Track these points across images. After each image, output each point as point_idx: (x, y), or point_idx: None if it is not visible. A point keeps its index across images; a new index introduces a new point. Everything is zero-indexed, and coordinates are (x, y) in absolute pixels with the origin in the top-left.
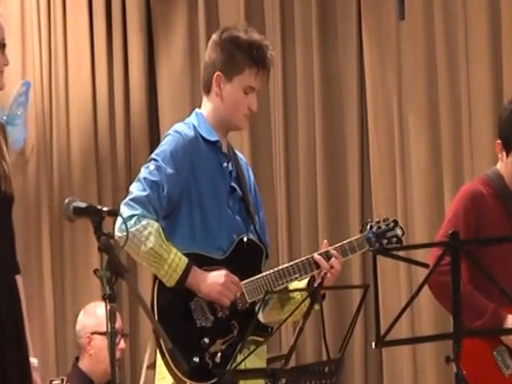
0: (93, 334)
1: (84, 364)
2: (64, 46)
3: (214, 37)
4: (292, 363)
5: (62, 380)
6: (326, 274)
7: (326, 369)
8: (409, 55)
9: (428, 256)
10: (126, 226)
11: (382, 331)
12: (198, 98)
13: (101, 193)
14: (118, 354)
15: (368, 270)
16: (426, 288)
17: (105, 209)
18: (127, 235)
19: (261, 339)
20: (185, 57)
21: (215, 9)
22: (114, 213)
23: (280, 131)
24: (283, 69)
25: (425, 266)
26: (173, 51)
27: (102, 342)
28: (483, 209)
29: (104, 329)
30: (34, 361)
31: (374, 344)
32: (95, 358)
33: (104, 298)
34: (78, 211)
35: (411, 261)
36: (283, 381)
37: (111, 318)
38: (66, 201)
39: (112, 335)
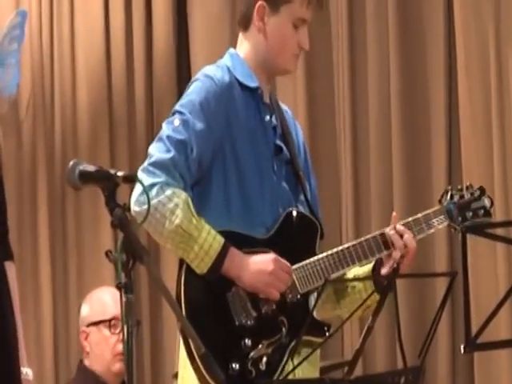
0: (88, 326)
1: (90, 365)
2: None
3: None
4: (358, 372)
5: None
6: (401, 257)
7: (402, 380)
8: None
9: None
10: (148, 196)
11: (474, 331)
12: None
13: (114, 156)
14: (121, 347)
15: (456, 253)
16: None
17: (119, 173)
18: (148, 208)
19: (317, 340)
20: None
21: None
22: (132, 178)
23: (345, 86)
24: (348, 5)
25: None
26: None
27: (97, 335)
28: None
29: (99, 317)
30: (27, 372)
31: (462, 348)
32: (93, 356)
33: (118, 288)
34: (86, 176)
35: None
36: None
37: (128, 312)
38: (71, 163)
39: (130, 335)
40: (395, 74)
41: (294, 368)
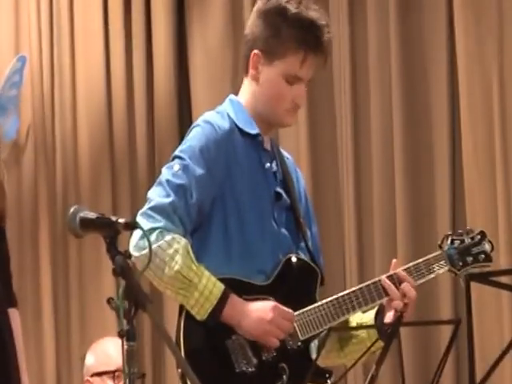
0: (92, 376)
1: None
2: (69, 9)
3: (259, 4)
4: None
5: None
6: (405, 305)
7: None
8: None
9: None
10: (149, 241)
11: (478, 379)
12: (241, 81)
13: (116, 200)
14: None
15: (460, 299)
16: None
17: (121, 220)
18: (150, 254)
19: None
20: (225, 27)
21: None
22: (133, 226)
23: (348, 129)
24: (351, 48)
25: None
26: (209, 19)
27: None
28: None
29: (102, 368)
30: None
31: None
32: None
33: (120, 335)
34: (87, 224)
35: None
36: None
37: (129, 360)
38: (72, 210)
39: (131, 382)
40: (398, 119)
41: None
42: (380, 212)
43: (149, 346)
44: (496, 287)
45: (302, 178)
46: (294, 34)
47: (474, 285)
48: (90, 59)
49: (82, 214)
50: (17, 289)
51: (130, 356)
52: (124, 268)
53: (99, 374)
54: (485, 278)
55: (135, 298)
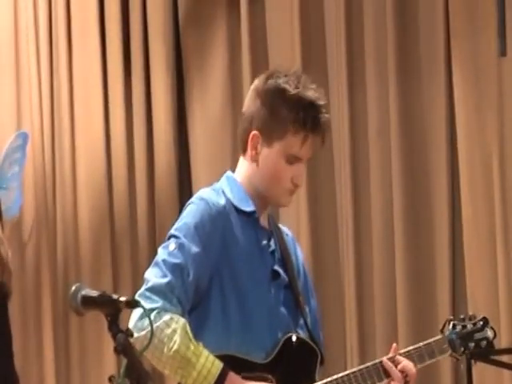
0: None
1: None
2: (69, 86)
3: (257, 82)
4: None
5: None
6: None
7: None
8: None
9: None
10: (151, 322)
11: None
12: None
13: (117, 277)
14: None
15: (462, 379)
16: None
17: (122, 299)
18: (151, 335)
19: None
20: (224, 101)
21: (263, 39)
22: (135, 304)
23: (348, 207)
24: (351, 120)
25: None
26: (209, 93)
27: None
28: None
29: None
30: None
31: None
32: None
33: None
34: (89, 302)
35: None
36: None
37: None
38: (73, 288)
39: None
40: (398, 191)
41: None
42: (380, 287)
43: None
44: (498, 366)
45: (300, 253)
46: (293, 116)
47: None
48: (90, 135)
49: (83, 292)
50: (20, 367)
51: None
52: (126, 346)
53: None
54: (486, 357)
55: (137, 377)
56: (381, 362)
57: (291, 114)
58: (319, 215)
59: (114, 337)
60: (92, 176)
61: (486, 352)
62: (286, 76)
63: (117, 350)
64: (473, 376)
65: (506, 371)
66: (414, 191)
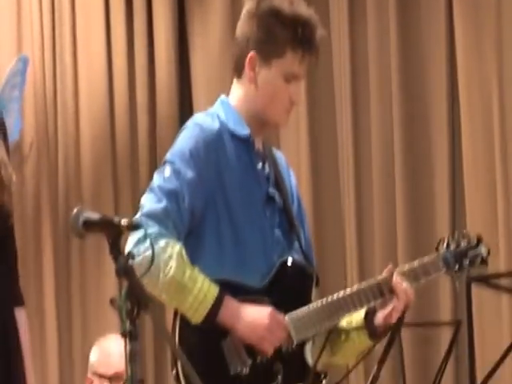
0: (94, 375)
1: None
2: (71, 10)
3: (249, 6)
4: None
5: None
6: (406, 305)
7: None
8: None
9: None
10: (153, 246)
11: (479, 381)
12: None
13: (118, 202)
14: None
15: (460, 301)
16: None
17: (124, 221)
18: (153, 257)
19: None
20: (225, 30)
21: None
22: (137, 226)
23: (348, 131)
24: (351, 50)
25: None
26: (209, 22)
27: None
28: None
29: (102, 370)
30: None
31: None
32: None
33: (123, 336)
34: (90, 224)
35: None
36: None
37: (132, 360)
38: (75, 211)
39: (134, 381)
40: (398, 118)
41: None
42: (380, 214)
43: (151, 350)
44: (496, 289)
45: (293, 178)
46: (291, 34)
47: (473, 287)
48: (92, 60)
49: (85, 215)
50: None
51: (133, 356)
52: (127, 269)
53: (98, 375)
54: (485, 281)
55: (138, 299)
56: (377, 283)
57: (289, 33)
58: (319, 143)
59: (116, 259)
60: (94, 101)
61: (486, 276)
62: None
63: (118, 273)
64: (472, 297)
65: (503, 294)
66: (413, 121)
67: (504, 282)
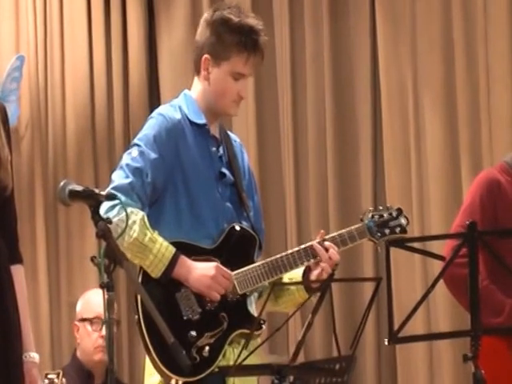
0: (79, 321)
1: (79, 355)
2: (60, 18)
3: (206, 15)
4: (300, 360)
5: (58, 374)
6: (331, 265)
7: (337, 366)
8: (424, 32)
9: (444, 247)
10: (127, 212)
11: (396, 327)
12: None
13: (97, 175)
14: (100, 341)
15: (381, 261)
16: (442, 281)
17: (102, 192)
18: (126, 222)
19: (254, 333)
20: (187, 32)
21: None
22: (113, 196)
23: (288, 117)
24: (291, 51)
25: (441, 258)
26: (174, 26)
27: (83, 330)
28: (500, 197)
29: (85, 315)
30: (34, 355)
31: (386, 340)
32: (80, 347)
33: (101, 287)
34: (74, 195)
35: (426, 252)
36: (291, 378)
37: (109, 307)
38: (61, 184)
39: (110, 326)
40: (330, 107)
41: (247, 356)
42: (315, 190)
43: (124, 297)
44: (410, 251)
45: (246, 156)
46: (236, 39)
47: (392, 250)
48: (76, 59)
49: (70, 187)
50: None
51: (110, 303)
52: (105, 231)
53: (82, 320)
54: (401, 244)
55: (114, 257)
56: (310, 246)
57: (235, 38)
58: (264, 127)
59: (96, 224)
60: (78, 92)
61: (401, 240)
62: (229, 8)
63: (98, 235)
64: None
65: (416, 255)
66: (343, 107)
67: (416, 245)
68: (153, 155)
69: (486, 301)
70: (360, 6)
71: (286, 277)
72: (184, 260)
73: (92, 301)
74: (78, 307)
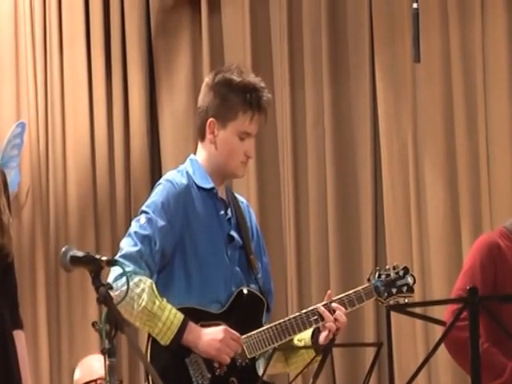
0: None
1: None
2: (61, 85)
3: (207, 80)
4: None
5: None
6: (337, 329)
7: None
8: (424, 97)
9: (445, 311)
10: (128, 281)
11: None
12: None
13: (99, 241)
14: None
15: (382, 325)
16: (443, 346)
17: (103, 258)
18: (127, 291)
19: None
20: (188, 97)
21: (220, 45)
22: (114, 263)
23: (289, 177)
24: (292, 112)
25: (442, 323)
26: (175, 90)
27: None
28: (500, 260)
29: (87, 378)
30: None
31: None
32: None
33: (103, 353)
34: (76, 260)
35: (427, 318)
36: None
37: (111, 373)
38: (63, 249)
39: None
40: (330, 168)
41: None
42: (316, 256)
43: (126, 360)
44: (411, 316)
45: (254, 217)
46: (241, 98)
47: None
48: (77, 127)
49: (71, 253)
50: None
51: (112, 369)
52: (106, 297)
53: None
54: (402, 309)
55: (115, 322)
56: (316, 308)
57: (239, 97)
58: (265, 188)
59: (97, 289)
60: (79, 159)
61: (402, 305)
62: (229, 70)
63: (99, 301)
64: (391, 323)
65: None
66: (344, 169)
67: (418, 310)
68: (161, 222)
69: (486, 364)
70: (360, 69)
71: (295, 338)
72: (193, 326)
73: (93, 364)
74: (77, 374)
